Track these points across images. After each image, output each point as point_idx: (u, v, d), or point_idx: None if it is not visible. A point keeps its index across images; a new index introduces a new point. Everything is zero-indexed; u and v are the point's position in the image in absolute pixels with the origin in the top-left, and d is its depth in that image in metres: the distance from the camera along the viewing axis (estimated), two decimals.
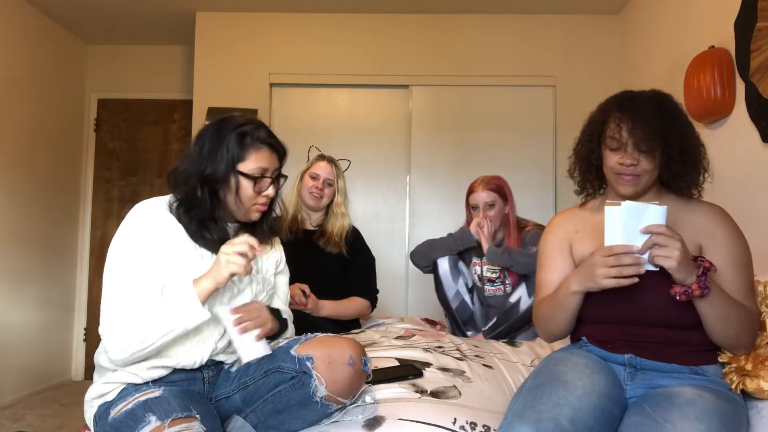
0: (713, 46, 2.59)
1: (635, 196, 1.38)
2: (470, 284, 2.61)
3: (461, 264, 2.61)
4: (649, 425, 1.15)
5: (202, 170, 1.37)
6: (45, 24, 4.01)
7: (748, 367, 1.34)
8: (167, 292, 1.33)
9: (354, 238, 2.47)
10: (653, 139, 1.32)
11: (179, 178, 1.40)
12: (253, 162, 1.40)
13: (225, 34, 3.99)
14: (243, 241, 1.31)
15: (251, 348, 1.35)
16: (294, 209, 2.44)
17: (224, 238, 1.39)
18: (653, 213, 1.21)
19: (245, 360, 1.36)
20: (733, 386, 1.34)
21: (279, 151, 1.46)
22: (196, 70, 4.00)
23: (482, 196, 2.47)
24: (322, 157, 2.46)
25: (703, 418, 1.13)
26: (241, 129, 1.40)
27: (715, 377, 1.33)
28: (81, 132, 4.49)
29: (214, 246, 1.39)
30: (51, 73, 4.09)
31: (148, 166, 4.53)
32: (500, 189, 2.49)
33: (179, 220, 1.39)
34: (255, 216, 1.46)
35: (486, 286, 2.55)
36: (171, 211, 1.40)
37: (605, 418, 1.21)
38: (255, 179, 1.40)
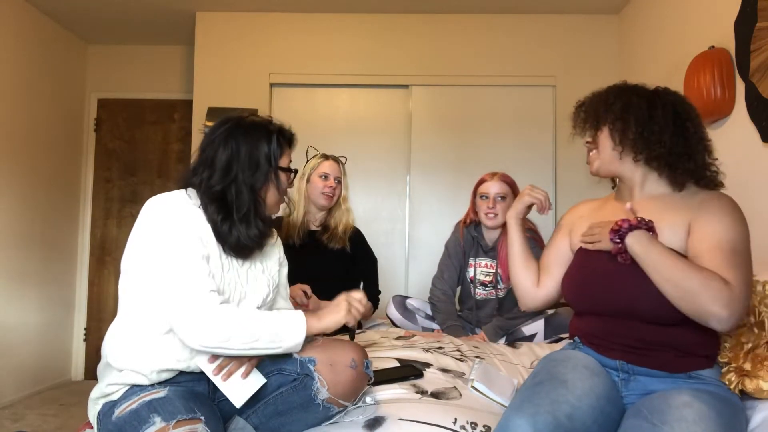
0: (713, 46, 2.59)
1: (596, 174, 1.50)
2: (430, 312, 2.61)
3: (409, 301, 2.62)
4: (647, 428, 1.15)
5: (245, 175, 1.40)
6: (45, 24, 4.01)
7: (747, 367, 1.34)
8: (271, 312, 1.35)
9: (357, 237, 2.49)
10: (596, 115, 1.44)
11: (217, 186, 1.38)
12: (286, 158, 1.49)
13: (225, 34, 3.99)
14: (362, 297, 1.44)
15: (240, 390, 1.32)
16: (303, 212, 2.43)
17: (263, 236, 1.43)
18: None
19: (238, 404, 1.32)
20: (732, 386, 1.33)
21: (291, 148, 1.56)
22: (196, 70, 4.00)
23: (495, 187, 2.46)
24: (326, 157, 2.48)
25: (700, 420, 1.13)
26: (272, 127, 1.47)
27: (711, 379, 1.31)
28: (81, 132, 4.49)
29: (243, 248, 1.40)
30: (51, 73, 4.09)
31: (148, 166, 4.53)
32: (513, 185, 2.51)
33: (216, 224, 1.37)
34: (278, 210, 1.52)
35: (477, 290, 2.54)
36: (206, 213, 1.38)
37: (603, 420, 1.21)
38: (291, 172, 1.50)
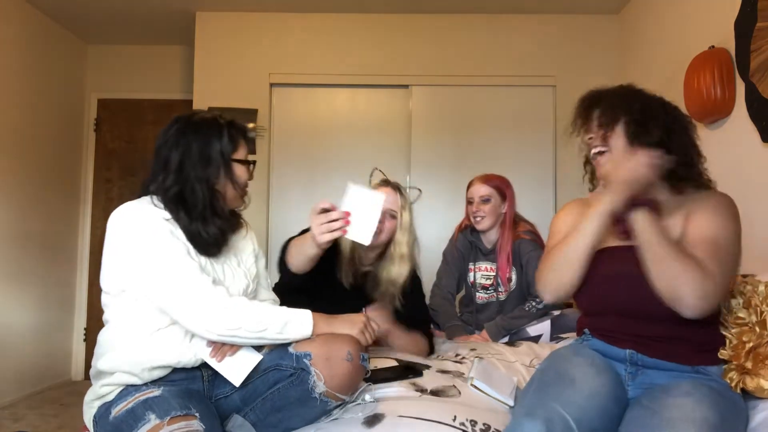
0: (713, 46, 2.59)
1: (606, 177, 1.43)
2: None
3: None
4: (645, 415, 1.18)
5: (197, 171, 1.42)
6: (45, 24, 4.01)
7: (748, 365, 1.34)
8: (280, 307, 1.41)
9: (412, 285, 1.96)
10: (611, 114, 1.38)
11: (174, 187, 1.41)
12: (242, 150, 1.50)
13: (225, 34, 3.99)
14: (379, 327, 1.51)
15: (236, 368, 1.36)
16: (350, 247, 1.89)
17: (223, 232, 1.45)
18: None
19: (237, 382, 1.37)
20: (732, 384, 1.33)
21: (249, 142, 1.57)
22: (196, 70, 3.99)
23: (479, 190, 2.47)
24: (386, 183, 1.99)
25: (699, 407, 1.15)
26: (222, 121, 1.48)
27: (717, 377, 1.34)
28: (81, 132, 4.49)
29: (209, 246, 1.42)
30: (51, 73, 4.09)
31: (148, 166, 4.51)
32: (498, 186, 2.48)
33: (184, 223, 1.40)
34: (241, 203, 1.54)
35: (478, 293, 2.54)
36: (176, 219, 1.40)
37: (608, 419, 1.23)
38: (248, 164, 1.51)
